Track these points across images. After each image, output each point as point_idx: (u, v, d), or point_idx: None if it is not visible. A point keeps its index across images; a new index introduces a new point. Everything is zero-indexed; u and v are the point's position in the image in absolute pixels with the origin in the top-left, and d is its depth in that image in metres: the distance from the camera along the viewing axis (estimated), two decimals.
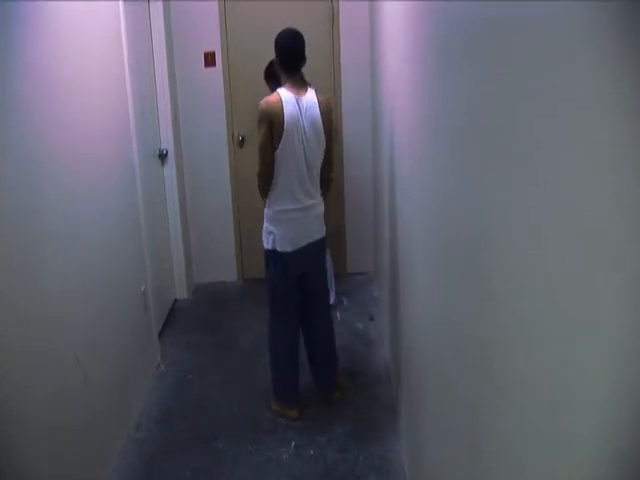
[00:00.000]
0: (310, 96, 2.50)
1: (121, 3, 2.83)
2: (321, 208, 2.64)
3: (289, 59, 2.48)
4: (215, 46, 3.89)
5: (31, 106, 1.86)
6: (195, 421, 2.77)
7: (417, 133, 1.88)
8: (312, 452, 2.54)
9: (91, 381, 2.22)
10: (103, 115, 2.56)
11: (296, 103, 2.42)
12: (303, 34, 2.50)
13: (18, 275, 1.74)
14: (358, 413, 2.78)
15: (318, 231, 2.63)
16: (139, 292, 2.99)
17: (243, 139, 4.07)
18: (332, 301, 3.61)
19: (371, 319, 3.64)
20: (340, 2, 3.85)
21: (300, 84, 2.49)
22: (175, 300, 4.01)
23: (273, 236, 2.54)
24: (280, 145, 2.41)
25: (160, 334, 3.42)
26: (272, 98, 2.42)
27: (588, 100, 0.64)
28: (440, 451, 1.62)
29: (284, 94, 2.43)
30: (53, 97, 2.03)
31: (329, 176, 2.73)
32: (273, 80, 2.75)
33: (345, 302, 3.85)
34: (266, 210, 2.57)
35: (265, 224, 2.58)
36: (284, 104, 2.40)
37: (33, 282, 1.84)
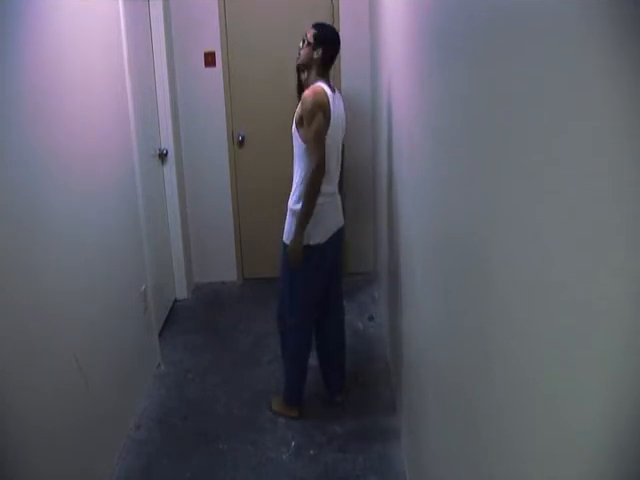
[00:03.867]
0: (337, 93, 2.52)
1: (121, 3, 2.83)
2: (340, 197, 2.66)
3: (333, 55, 2.48)
4: (215, 46, 3.89)
5: (31, 106, 1.86)
6: (195, 421, 2.77)
7: (416, 131, 1.88)
8: (312, 452, 2.54)
9: (91, 381, 2.21)
10: (103, 115, 2.56)
11: (332, 98, 2.42)
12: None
13: (18, 275, 1.74)
14: (358, 413, 2.78)
15: (341, 219, 2.64)
16: (139, 292, 2.99)
17: (243, 139, 4.07)
18: None
19: (371, 319, 3.64)
20: (340, 1, 3.85)
21: (328, 81, 2.49)
22: (175, 300, 4.02)
23: (306, 231, 2.42)
24: (327, 135, 2.39)
25: (160, 334, 3.42)
26: (319, 89, 2.38)
27: (590, 96, 0.64)
28: (440, 451, 1.62)
29: (325, 87, 2.41)
30: (53, 97, 2.03)
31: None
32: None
33: (345, 302, 3.83)
34: (295, 206, 2.43)
35: (293, 220, 2.44)
36: (328, 95, 2.39)
37: (33, 282, 1.83)
